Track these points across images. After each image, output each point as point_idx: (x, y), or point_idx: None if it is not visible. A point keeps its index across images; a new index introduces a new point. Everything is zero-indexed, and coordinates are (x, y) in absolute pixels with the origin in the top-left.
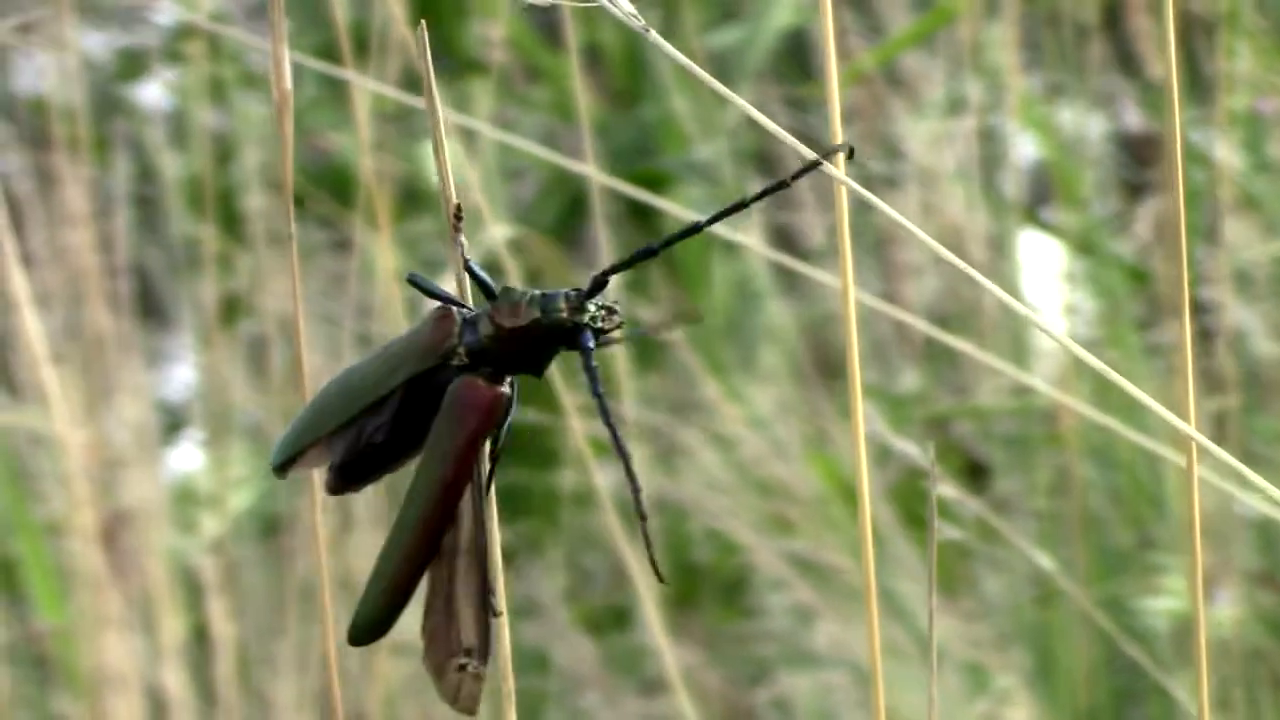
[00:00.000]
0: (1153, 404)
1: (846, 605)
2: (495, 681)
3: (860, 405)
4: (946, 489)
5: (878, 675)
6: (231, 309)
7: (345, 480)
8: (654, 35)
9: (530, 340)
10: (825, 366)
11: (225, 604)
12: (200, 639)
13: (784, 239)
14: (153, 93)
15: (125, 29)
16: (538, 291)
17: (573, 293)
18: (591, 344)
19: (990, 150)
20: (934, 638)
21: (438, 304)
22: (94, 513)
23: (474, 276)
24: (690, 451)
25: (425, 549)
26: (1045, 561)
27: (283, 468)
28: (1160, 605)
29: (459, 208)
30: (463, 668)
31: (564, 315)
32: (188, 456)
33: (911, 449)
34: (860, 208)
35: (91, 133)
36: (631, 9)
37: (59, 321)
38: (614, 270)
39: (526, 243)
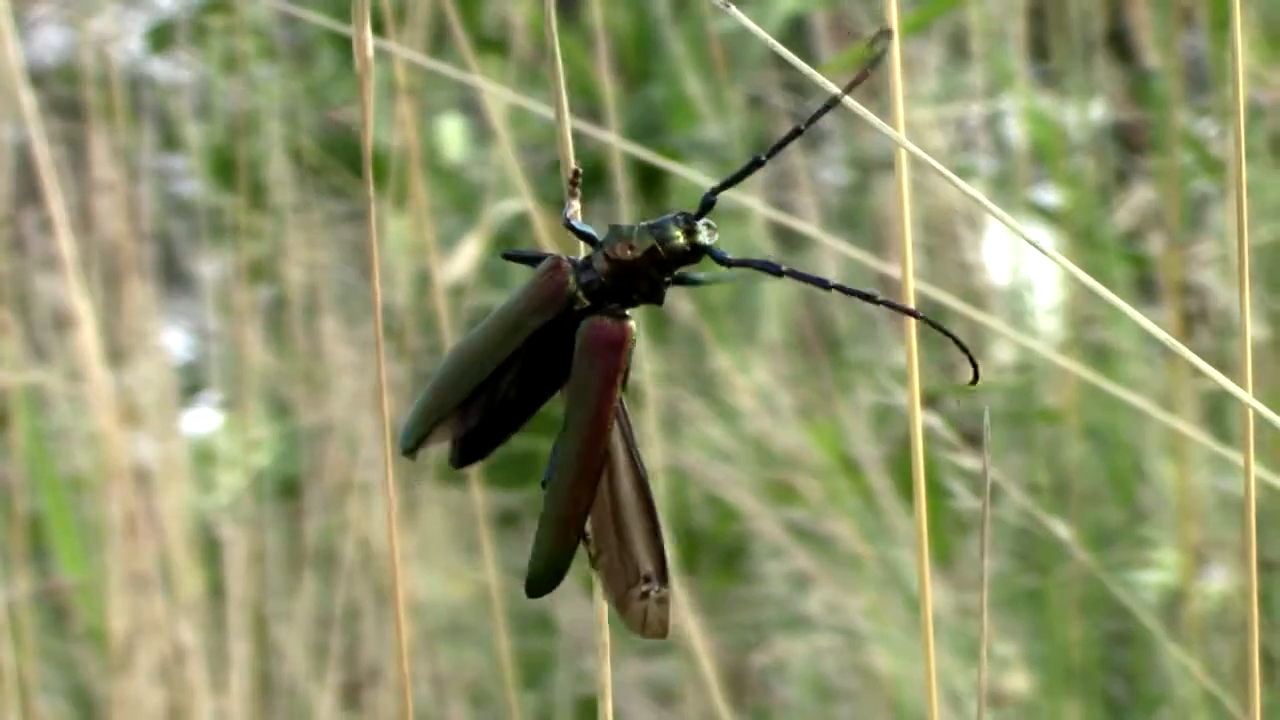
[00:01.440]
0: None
1: (842, 572)
2: (496, 646)
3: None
4: (966, 460)
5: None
6: (253, 275)
7: (469, 451)
8: (733, 10)
9: (648, 269)
10: (823, 340)
11: (241, 561)
12: (217, 596)
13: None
14: (178, 65)
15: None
16: (644, 223)
17: (680, 216)
18: (725, 255)
19: (985, 135)
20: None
21: (550, 258)
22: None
23: (576, 232)
24: (694, 420)
25: (589, 490)
26: (1061, 531)
27: (413, 449)
28: (1151, 578)
29: (576, 172)
30: (645, 594)
31: (680, 240)
32: (205, 418)
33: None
34: (854, 190)
35: (123, 102)
36: None
37: (83, 284)
38: (723, 187)
39: (533, 215)
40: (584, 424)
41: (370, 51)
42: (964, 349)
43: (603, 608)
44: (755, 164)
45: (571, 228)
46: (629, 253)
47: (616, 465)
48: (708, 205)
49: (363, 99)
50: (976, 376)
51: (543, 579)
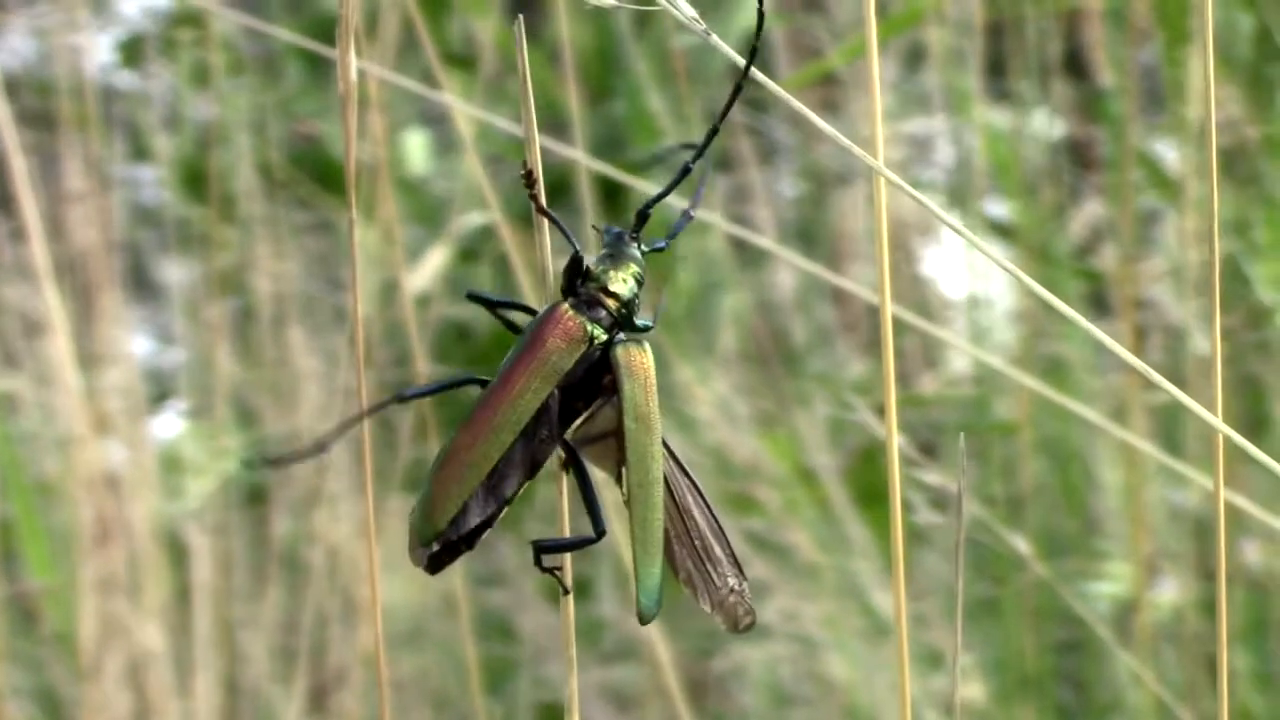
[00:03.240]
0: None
1: (799, 581)
2: (459, 649)
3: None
4: (928, 475)
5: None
6: (221, 285)
7: (448, 554)
8: (715, 39)
9: (636, 293)
10: (779, 352)
11: (208, 567)
12: (183, 601)
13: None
14: (148, 78)
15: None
16: (608, 253)
17: (628, 235)
18: (661, 244)
19: (940, 150)
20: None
21: (552, 305)
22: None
23: (553, 220)
24: None
25: (661, 501)
26: (1017, 542)
27: (433, 540)
28: (1103, 589)
29: (529, 172)
30: (733, 592)
31: (642, 259)
32: (171, 425)
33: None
34: (810, 205)
35: (96, 113)
36: (693, 13)
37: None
38: (657, 200)
39: (496, 228)
40: (647, 439)
41: (354, 75)
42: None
43: (569, 618)
44: (684, 172)
45: (548, 215)
46: (625, 285)
47: (673, 477)
48: (643, 218)
49: (345, 121)
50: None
51: (655, 601)
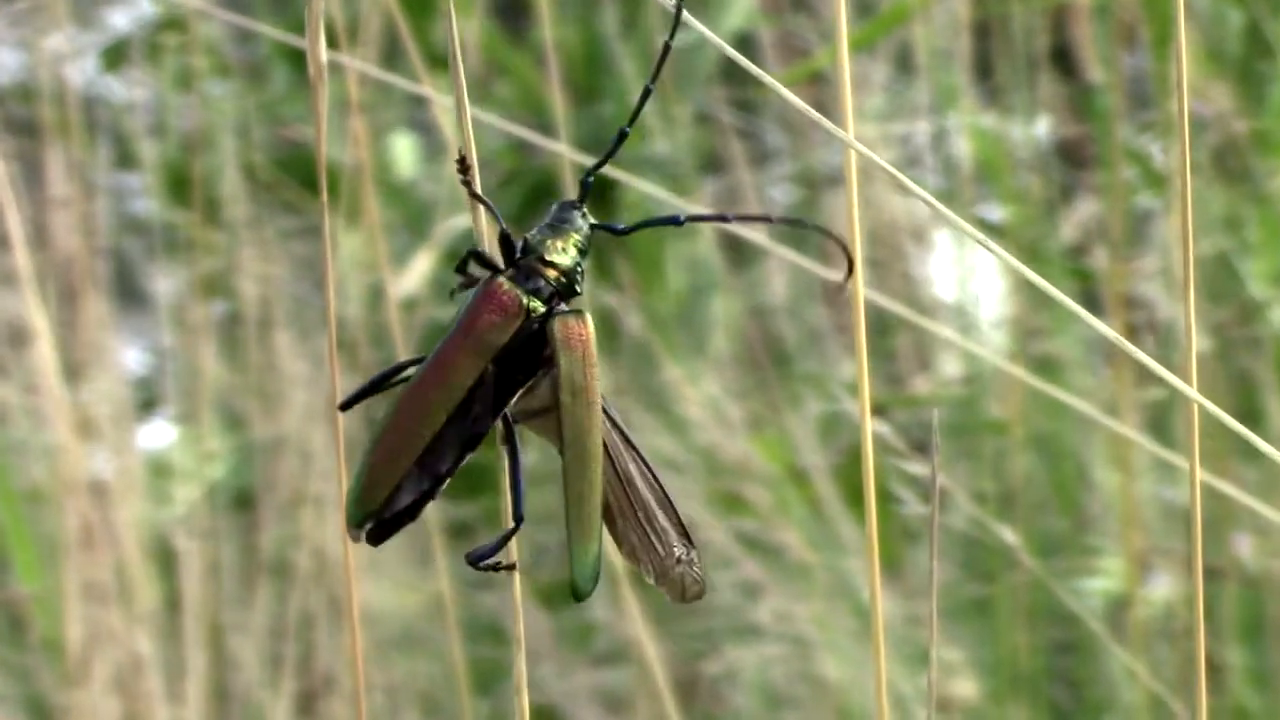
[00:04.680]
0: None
1: (791, 581)
2: (449, 655)
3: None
4: (913, 468)
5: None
6: (207, 290)
7: (388, 528)
8: (692, 20)
9: (578, 263)
10: (770, 353)
11: (197, 573)
12: (173, 607)
13: (728, 233)
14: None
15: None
16: (549, 223)
17: (570, 205)
18: (617, 226)
19: (931, 151)
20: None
21: (488, 279)
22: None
23: (484, 263)
24: (644, 432)
25: (599, 476)
26: (1009, 538)
27: (362, 522)
28: (1096, 585)
29: (462, 158)
30: (679, 561)
31: (587, 228)
32: (160, 432)
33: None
34: (802, 207)
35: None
36: None
37: (40, 300)
38: (597, 168)
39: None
40: (583, 412)
41: (324, 58)
42: (837, 240)
43: (516, 597)
44: (622, 137)
45: (481, 258)
46: (564, 255)
47: (615, 448)
48: (585, 187)
49: (316, 107)
50: (850, 268)
51: (590, 579)
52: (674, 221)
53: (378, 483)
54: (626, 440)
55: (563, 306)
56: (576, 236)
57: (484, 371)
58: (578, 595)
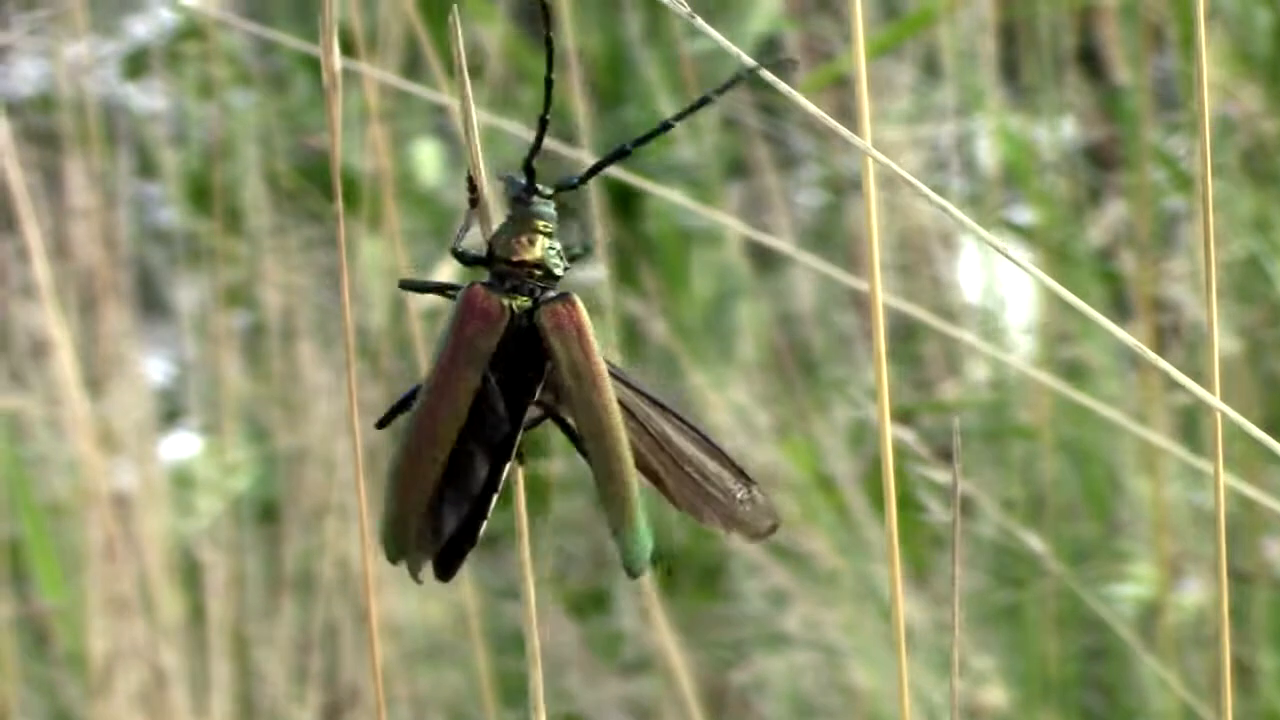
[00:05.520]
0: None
1: (820, 589)
2: (474, 666)
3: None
4: (939, 475)
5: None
6: (230, 300)
7: (452, 553)
8: (699, 22)
9: (548, 249)
10: (797, 360)
11: (222, 585)
12: (197, 620)
13: (753, 240)
14: (153, 92)
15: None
16: (512, 214)
17: (522, 186)
18: (573, 180)
19: (957, 153)
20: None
21: (464, 289)
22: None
23: (468, 261)
24: None
25: (626, 449)
26: (1037, 545)
27: (399, 557)
28: (1127, 592)
29: (473, 185)
30: (743, 502)
31: (548, 206)
32: (183, 443)
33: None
34: (828, 212)
35: (99, 129)
36: (688, 8)
37: (60, 311)
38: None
39: None
40: (591, 393)
41: (338, 65)
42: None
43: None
44: (622, 152)
45: (462, 256)
46: (531, 248)
47: (642, 412)
48: (530, 172)
49: (330, 116)
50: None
51: (639, 556)
52: (622, 154)
53: (405, 514)
54: (653, 400)
55: (550, 294)
56: (538, 222)
57: (486, 380)
58: (631, 572)
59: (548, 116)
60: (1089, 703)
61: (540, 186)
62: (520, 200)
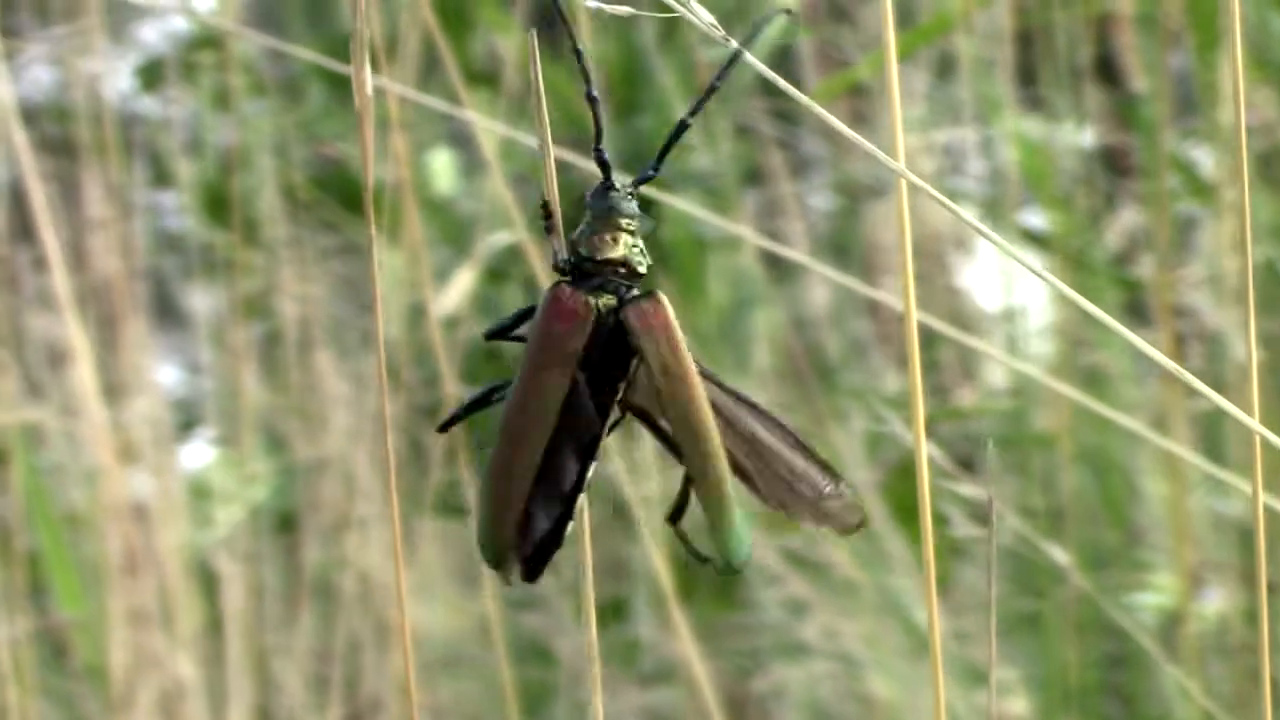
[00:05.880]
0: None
1: (839, 598)
2: (495, 674)
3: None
4: (962, 486)
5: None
6: (247, 310)
7: (540, 555)
8: (734, 44)
9: (630, 246)
10: (813, 368)
11: (239, 597)
12: (216, 631)
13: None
14: (168, 102)
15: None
16: (596, 210)
17: (608, 188)
18: (648, 174)
19: (973, 160)
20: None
21: (549, 290)
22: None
23: (564, 273)
24: None
25: (718, 448)
26: (1058, 555)
27: (500, 563)
28: (1148, 601)
29: (545, 203)
30: (829, 498)
31: (630, 201)
32: (200, 453)
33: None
34: (843, 218)
35: (116, 140)
36: (711, 19)
37: (79, 321)
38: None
39: (523, 248)
40: (682, 391)
41: (370, 90)
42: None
43: (593, 639)
44: (682, 127)
45: (560, 269)
46: (615, 246)
47: (729, 410)
48: (604, 164)
49: (363, 136)
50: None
51: (738, 551)
52: (683, 128)
53: (502, 519)
54: (739, 398)
55: (635, 291)
56: (620, 219)
57: (575, 381)
58: (731, 568)
59: (595, 93)
60: (1110, 712)
61: (618, 180)
62: (600, 195)
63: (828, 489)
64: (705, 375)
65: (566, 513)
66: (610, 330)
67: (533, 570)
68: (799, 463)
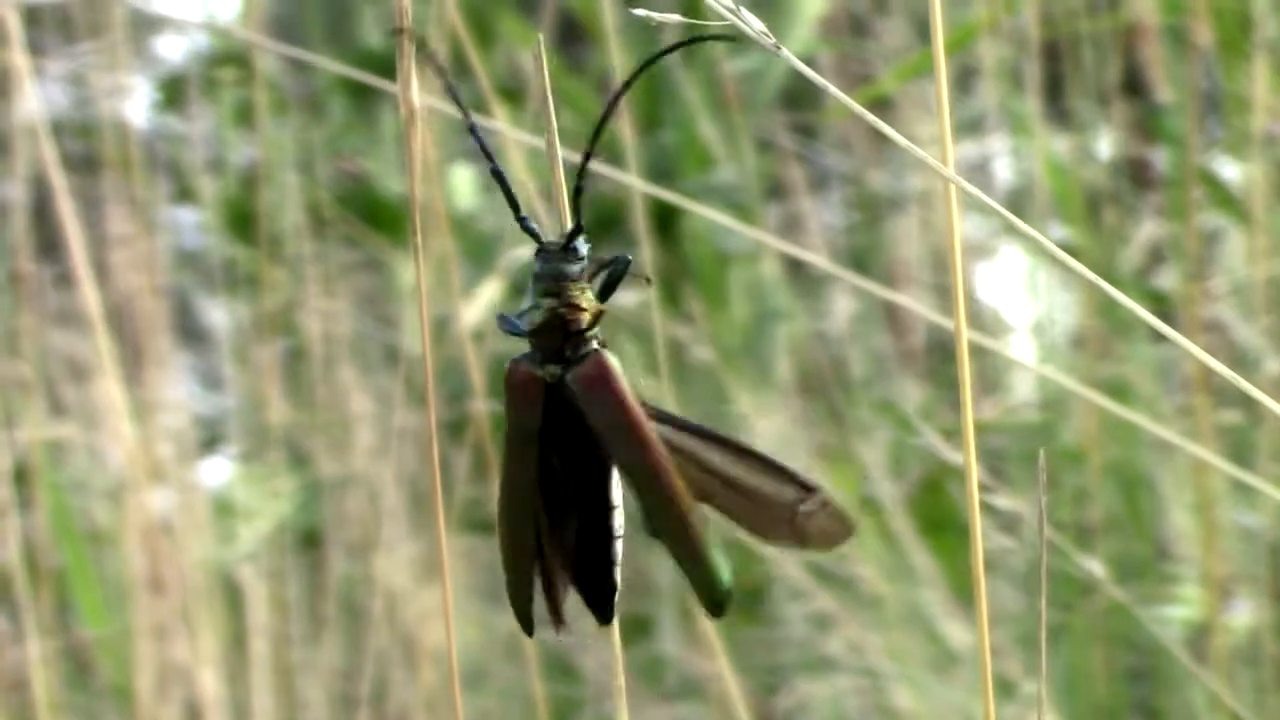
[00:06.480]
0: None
1: (864, 613)
2: (523, 689)
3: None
4: (997, 499)
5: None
6: (270, 326)
7: (599, 597)
8: (785, 53)
9: (573, 305)
10: (836, 382)
11: (263, 613)
12: (240, 647)
13: (791, 260)
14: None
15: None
16: (534, 285)
17: (540, 256)
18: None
19: (995, 172)
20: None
21: (506, 368)
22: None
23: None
24: None
25: (682, 496)
26: (1092, 566)
27: (533, 629)
28: (1176, 613)
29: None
30: (810, 513)
31: (569, 265)
32: (224, 470)
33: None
34: (863, 231)
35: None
36: (761, 26)
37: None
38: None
39: None
40: (635, 448)
41: (417, 103)
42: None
43: (618, 655)
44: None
45: (528, 230)
46: (547, 312)
47: (688, 449)
48: (579, 191)
49: (409, 146)
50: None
51: (717, 601)
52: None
53: (521, 584)
54: (699, 431)
55: (581, 352)
56: (546, 283)
57: (543, 454)
58: (715, 613)
59: (499, 168)
60: None
61: (547, 241)
62: (541, 258)
63: (805, 505)
64: (661, 417)
65: (604, 558)
66: (569, 393)
67: (604, 614)
68: (769, 485)
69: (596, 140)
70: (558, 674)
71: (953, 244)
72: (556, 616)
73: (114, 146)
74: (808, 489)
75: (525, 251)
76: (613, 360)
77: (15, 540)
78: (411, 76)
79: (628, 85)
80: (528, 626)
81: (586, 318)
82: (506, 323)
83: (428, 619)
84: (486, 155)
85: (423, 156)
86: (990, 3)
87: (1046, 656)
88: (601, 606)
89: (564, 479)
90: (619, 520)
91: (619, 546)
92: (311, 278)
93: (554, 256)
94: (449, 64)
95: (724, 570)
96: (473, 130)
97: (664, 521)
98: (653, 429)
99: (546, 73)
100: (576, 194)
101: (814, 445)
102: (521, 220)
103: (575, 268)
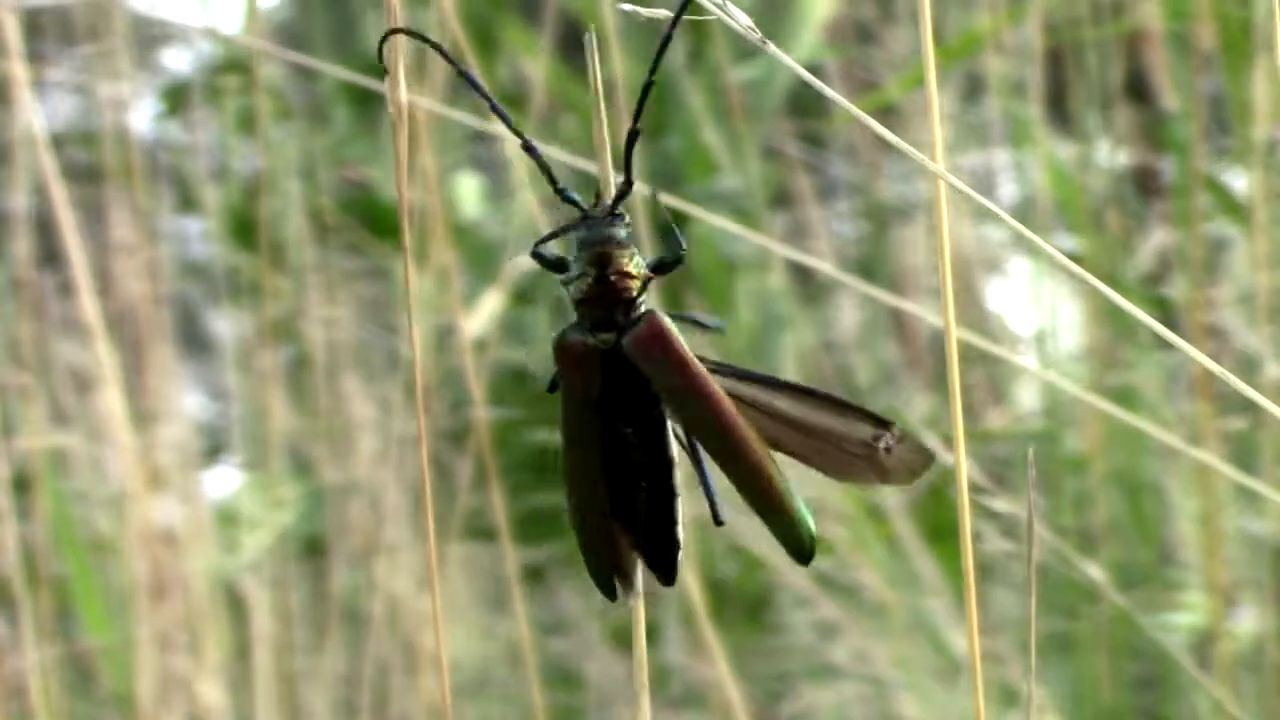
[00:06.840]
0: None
1: (869, 620)
2: (525, 696)
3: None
4: (997, 503)
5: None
6: (273, 334)
7: (663, 561)
8: (771, 47)
9: (624, 275)
10: (842, 388)
11: (266, 621)
12: (243, 656)
13: (798, 268)
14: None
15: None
16: (576, 254)
17: (594, 221)
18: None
19: (999, 180)
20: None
21: (555, 340)
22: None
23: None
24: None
25: (756, 448)
26: (1095, 573)
27: (615, 594)
28: (1180, 620)
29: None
30: (888, 448)
31: (620, 230)
32: (227, 478)
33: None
34: (870, 240)
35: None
36: (748, 21)
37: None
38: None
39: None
40: (698, 403)
41: (404, 99)
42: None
43: (642, 663)
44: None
45: (564, 197)
46: (596, 280)
47: (754, 399)
48: (633, 137)
49: (396, 148)
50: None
51: (801, 550)
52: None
53: (597, 556)
54: (764, 381)
55: (638, 312)
56: (593, 250)
57: (603, 421)
58: (801, 560)
59: (532, 143)
60: None
61: (589, 209)
62: (579, 227)
63: (882, 441)
64: (723, 370)
65: (666, 519)
66: (623, 358)
67: (669, 576)
68: (841, 425)
69: (655, 70)
70: (560, 682)
71: (942, 245)
72: (627, 582)
73: (117, 155)
74: (883, 423)
75: (529, 260)
76: (666, 320)
77: (15, 548)
78: (400, 77)
79: (668, 38)
80: (611, 593)
81: (636, 284)
82: (543, 259)
83: (430, 626)
84: (514, 131)
85: (422, 165)
86: (995, 10)
87: (1051, 664)
88: (666, 567)
89: (621, 443)
90: (678, 478)
91: (679, 504)
92: (315, 286)
93: (600, 223)
94: (449, 72)
95: (808, 517)
96: (494, 108)
97: (740, 475)
98: (716, 383)
99: (595, 49)
100: (630, 141)
101: None
102: (561, 191)
103: (622, 233)
